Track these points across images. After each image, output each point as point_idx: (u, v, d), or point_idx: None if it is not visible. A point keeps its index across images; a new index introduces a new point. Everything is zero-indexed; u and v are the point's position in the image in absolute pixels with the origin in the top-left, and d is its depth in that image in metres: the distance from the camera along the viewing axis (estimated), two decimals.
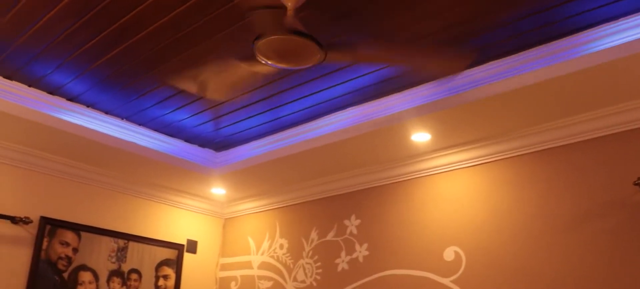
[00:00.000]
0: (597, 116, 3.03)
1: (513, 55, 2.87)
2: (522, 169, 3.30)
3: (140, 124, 3.91)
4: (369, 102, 3.41)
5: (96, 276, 4.17)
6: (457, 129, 3.32)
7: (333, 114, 3.59)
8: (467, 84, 3.02)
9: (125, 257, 4.37)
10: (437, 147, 3.60)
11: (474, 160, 3.51)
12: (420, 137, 3.45)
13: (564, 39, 2.71)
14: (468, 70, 3.00)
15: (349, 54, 2.65)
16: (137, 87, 3.37)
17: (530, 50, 2.81)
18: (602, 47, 2.61)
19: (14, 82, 3.38)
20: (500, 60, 2.90)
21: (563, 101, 2.95)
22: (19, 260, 3.83)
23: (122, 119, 3.84)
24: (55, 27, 2.80)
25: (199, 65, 2.96)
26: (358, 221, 4.06)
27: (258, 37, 2.30)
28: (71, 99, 3.57)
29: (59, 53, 3.04)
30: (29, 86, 3.42)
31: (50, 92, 3.50)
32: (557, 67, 2.71)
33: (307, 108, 3.55)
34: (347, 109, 3.52)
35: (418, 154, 3.72)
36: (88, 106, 3.67)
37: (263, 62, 2.38)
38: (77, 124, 3.66)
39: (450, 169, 3.62)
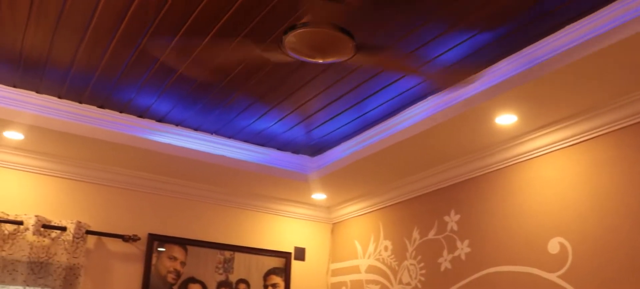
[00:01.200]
0: None
1: (604, 8, 2.47)
2: (627, 143, 2.85)
3: (229, 137, 3.99)
4: (447, 89, 3.17)
5: (205, 288, 4.31)
6: (544, 105, 2.96)
7: (417, 104, 3.39)
8: (548, 53, 2.68)
9: (232, 268, 4.48)
10: (527, 130, 3.25)
11: (569, 139, 3.11)
12: (506, 119, 3.13)
13: None
14: (547, 38, 2.67)
15: (376, 58, 2.46)
16: (218, 99, 3.43)
17: None
18: None
19: (106, 110, 3.60)
20: (587, 17, 2.53)
21: None
22: (132, 276, 4.07)
23: (212, 133, 3.94)
24: (127, 48, 2.92)
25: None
26: (457, 216, 3.79)
27: (292, 27, 2.20)
28: (160, 119, 3.73)
29: (137, 74, 3.17)
30: (121, 111, 3.63)
31: (140, 116, 3.68)
32: None
33: (390, 99, 3.37)
34: (428, 98, 3.30)
35: (507, 139, 3.39)
36: (177, 125, 3.81)
37: (288, 53, 2.28)
38: (172, 144, 3.81)
39: (544, 153, 3.25)
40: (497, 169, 3.55)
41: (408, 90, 3.24)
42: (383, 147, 3.68)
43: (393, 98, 3.36)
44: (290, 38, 2.22)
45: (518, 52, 2.81)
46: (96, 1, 2.54)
